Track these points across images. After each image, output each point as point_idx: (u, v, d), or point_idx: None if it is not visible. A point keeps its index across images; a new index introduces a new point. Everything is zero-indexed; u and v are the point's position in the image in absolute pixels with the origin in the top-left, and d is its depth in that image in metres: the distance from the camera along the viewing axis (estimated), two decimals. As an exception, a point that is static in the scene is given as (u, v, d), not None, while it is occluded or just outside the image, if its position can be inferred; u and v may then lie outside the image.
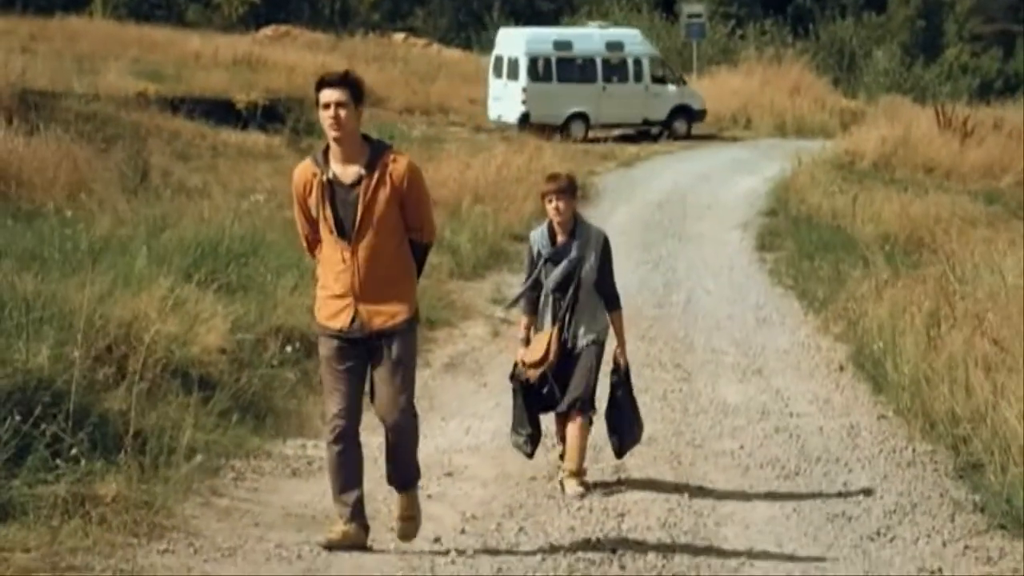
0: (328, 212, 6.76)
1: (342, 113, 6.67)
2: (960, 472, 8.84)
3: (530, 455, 8.53)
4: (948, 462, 9.09)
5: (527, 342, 8.51)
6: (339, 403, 6.81)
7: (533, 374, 8.38)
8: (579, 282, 8.36)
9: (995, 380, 9.33)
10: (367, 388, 6.91)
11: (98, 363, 7.85)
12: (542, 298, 8.44)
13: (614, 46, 35.01)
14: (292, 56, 37.34)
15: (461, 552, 6.96)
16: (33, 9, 43.83)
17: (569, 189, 8.40)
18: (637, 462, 9.01)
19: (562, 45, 34.56)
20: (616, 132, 34.39)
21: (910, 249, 17.68)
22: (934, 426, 9.74)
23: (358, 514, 6.86)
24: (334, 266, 6.81)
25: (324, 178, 6.77)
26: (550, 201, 8.37)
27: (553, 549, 7.08)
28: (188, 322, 9.00)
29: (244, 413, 8.75)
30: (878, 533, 7.72)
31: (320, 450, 8.06)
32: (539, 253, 8.43)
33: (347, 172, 6.79)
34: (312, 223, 6.88)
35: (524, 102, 33.08)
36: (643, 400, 10.60)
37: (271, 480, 7.97)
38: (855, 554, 7.35)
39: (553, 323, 8.38)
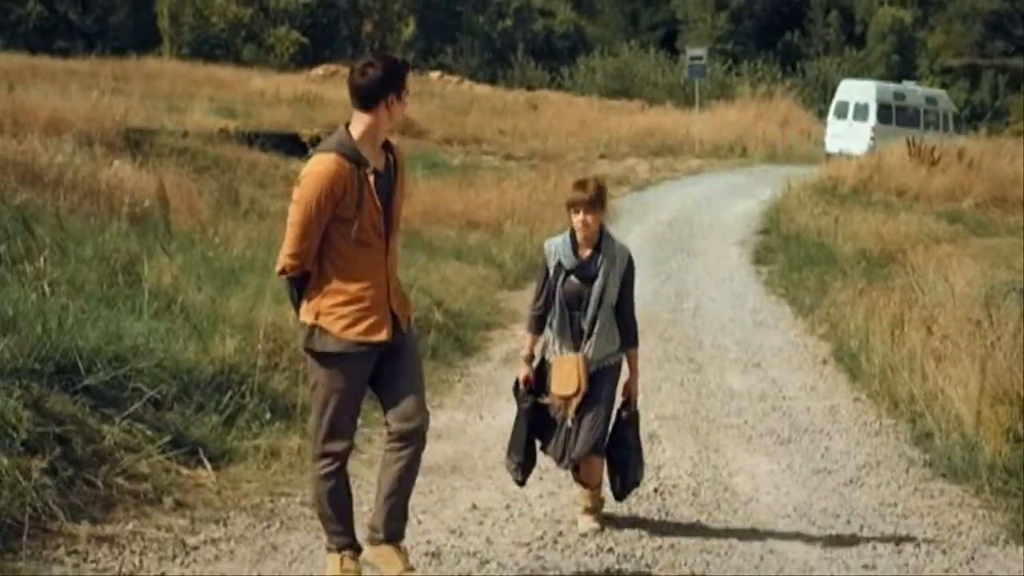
0: (378, 207, 5.56)
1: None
2: (916, 439, 9.74)
3: (521, 483, 7.40)
4: (907, 432, 9.98)
5: (530, 360, 7.23)
6: (344, 433, 5.67)
7: (567, 407, 7.05)
8: (601, 301, 7.04)
9: (944, 369, 10.03)
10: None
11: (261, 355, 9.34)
12: (559, 316, 7.07)
13: (931, 100, 39.75)
14: (344, 93, 38.32)
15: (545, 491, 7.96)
16: (109, 51, 45.32)
17: (598, 200, 7.01)
18: (666, 431, 9.82)
19: (899, 96, 38.78)
20: None
21: (883, 263, 18.29)
22: (897, 405, 10.59)
23: (354, 541, 5.84)
24: (367, 270, 5.56)
25: (369, 170, 5.56)
26: (577, 212, 6.99)
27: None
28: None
29: (362, 393, 9.98)
30: (851, 481, 8.66)
31: (438, 420, 9.13)
32: (559, 264, 7.06)
33: (378, 161, 5.64)
34: (323, 228, 5.50)
35: (872, 139, 36.13)
36: (664, 388, 11.53)
37: (394, 442, 9.24)
38: (834, 495, 8.31)
39: (574, 345, 7.06)
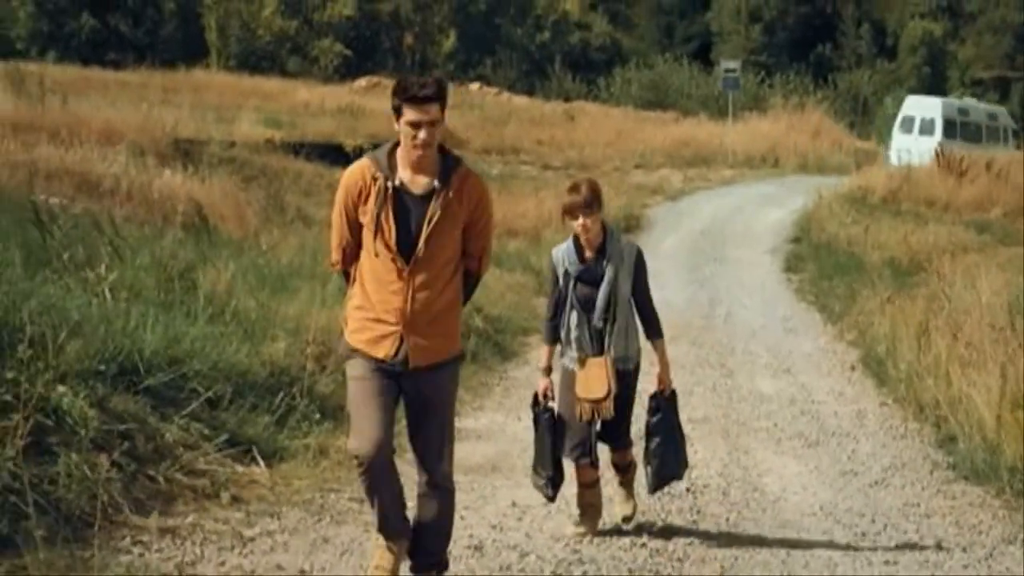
0: (391, 224, 5.38)
1: (435, 133, 5.36)
2: (940, 443, 9.91)
3: (551, 498, 7.27)
4: (931, 436, 10.15)
5: (548, 372, 7.09)
6: (369, 436, 5.40)
7: (598, 409, 6.93)
8: (616, 303, 6.90)
9: (968, 375, 10.15)
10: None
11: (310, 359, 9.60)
12: (577, 320, 6.94)
13: (992, 117, 40.84)
14: (385, 104, 38.16)
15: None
16: (159, 63, 45.83)
17: (594, 201, 6.82)
18: (698, 434, 9.80)
19: (963, 112, 39.66)
20: None
21: (911, 271, 18.24)
22: (922, 410, 10.74)
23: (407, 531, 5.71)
24: (383, 286, 5.40)
25: (389, 184, 5.39)
26: (575, 217, 6.82)
27: (643, 485, 8.08)
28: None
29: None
30: (876, 482, 8.83)
31: (479, 421, 9.58)
32: (566, 272, 6.94)
33: (417, 181, 5.42)
34: (355, 231, 5.48)
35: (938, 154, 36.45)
36: (697, 391, 11.69)
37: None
38: (859, 495, 8.48)
39: (593, 348, 6.93)
